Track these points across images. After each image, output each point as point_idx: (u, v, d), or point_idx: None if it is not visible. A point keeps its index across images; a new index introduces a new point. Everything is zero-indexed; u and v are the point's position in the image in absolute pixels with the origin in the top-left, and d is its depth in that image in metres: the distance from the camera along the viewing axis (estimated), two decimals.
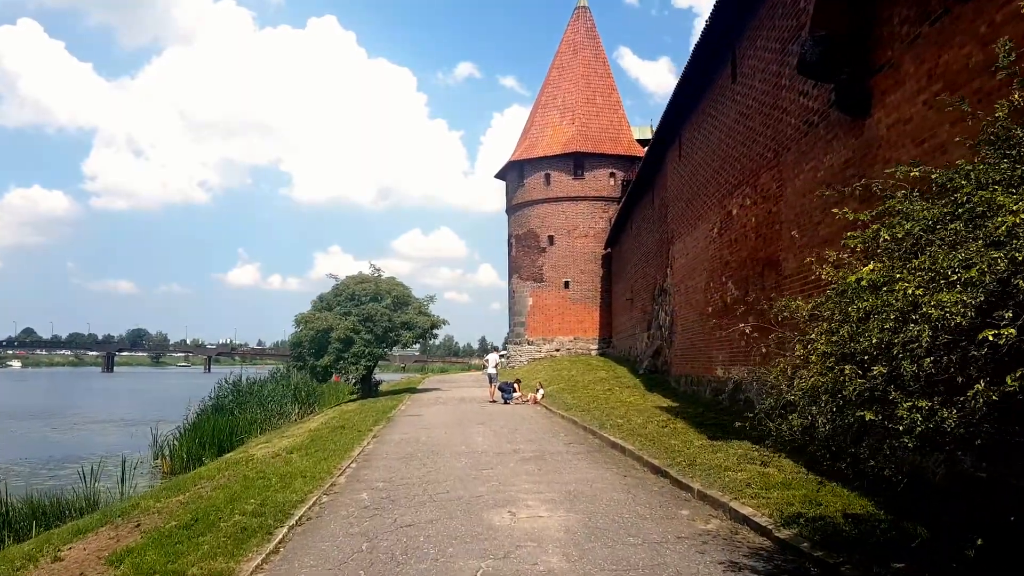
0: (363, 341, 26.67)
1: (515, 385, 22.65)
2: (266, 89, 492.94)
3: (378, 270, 29.29)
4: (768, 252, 12.68)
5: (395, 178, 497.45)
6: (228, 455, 15.30)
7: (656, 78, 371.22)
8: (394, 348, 29.18)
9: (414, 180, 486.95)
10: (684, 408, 15.05)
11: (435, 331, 29.15)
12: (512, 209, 45.81)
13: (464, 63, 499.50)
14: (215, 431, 19.51)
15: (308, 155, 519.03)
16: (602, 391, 21.13)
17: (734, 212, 14.95)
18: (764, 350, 10.56)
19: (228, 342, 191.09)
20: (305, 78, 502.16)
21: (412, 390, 30.99)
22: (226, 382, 28.22)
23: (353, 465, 10.66)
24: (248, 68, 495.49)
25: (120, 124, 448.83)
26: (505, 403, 21.91)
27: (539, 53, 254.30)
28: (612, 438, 12.00)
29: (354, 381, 28.45)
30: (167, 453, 18.70)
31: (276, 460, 11.43)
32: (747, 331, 9.39)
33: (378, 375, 76.36)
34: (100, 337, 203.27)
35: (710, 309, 16.79)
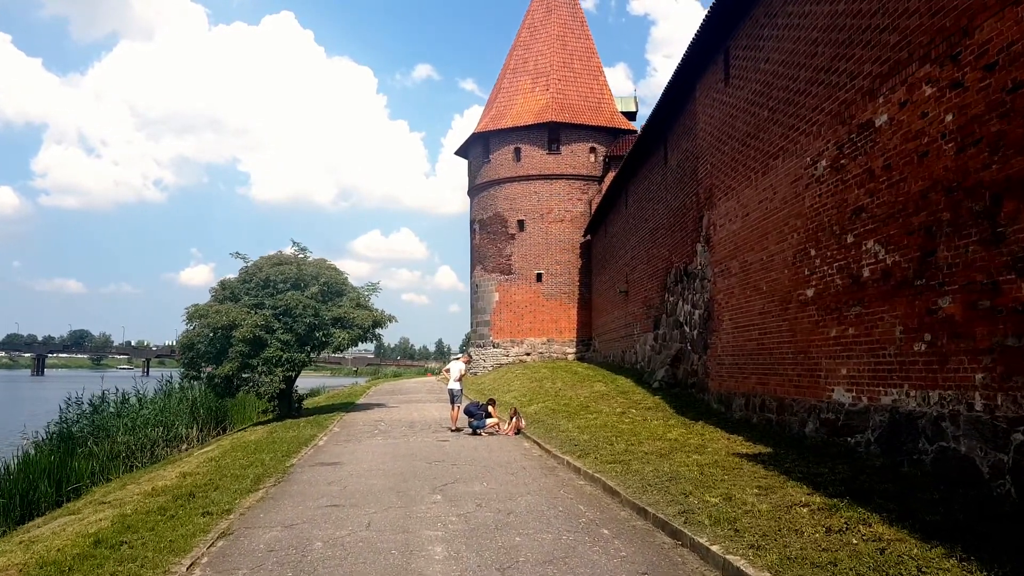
0: (279, 343, 19.57)
1: (488, 408, 15.93)
2: (222, 86, 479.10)
3: (303, 249, 22.06)
4: (1011, 168, 6.37)
5: (356, 178, 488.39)
6: None
7: (615, 84, 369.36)
8: (324, 352, 21.88)
9: (375, 181, 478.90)
10: (799, 463, 8.60)
11: (378, 330, 21.94)
12: (475, 190, 39.11)
13: (422, 65, 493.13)
14: (23, 481, 12.41)
15: (267, 154, 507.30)
16: (614, 416, 14.65)
17: (881, 121, 8.64)
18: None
19: (173, 343, 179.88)
20: (263, 76, 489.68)
21: (348, 406, 24.05)
22: (81, 400, 20.57)
23: None
24: (203, 64, 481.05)
25: (71, 120, 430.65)
26: (474, 433, 15.29)
27: (499, 56, 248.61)
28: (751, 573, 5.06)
29: (268, 397, 21.06)
30: None
31: None
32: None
33: (324, 380, 68.20)
34: (40, 338, 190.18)
35: (810, 292, 10.47)
